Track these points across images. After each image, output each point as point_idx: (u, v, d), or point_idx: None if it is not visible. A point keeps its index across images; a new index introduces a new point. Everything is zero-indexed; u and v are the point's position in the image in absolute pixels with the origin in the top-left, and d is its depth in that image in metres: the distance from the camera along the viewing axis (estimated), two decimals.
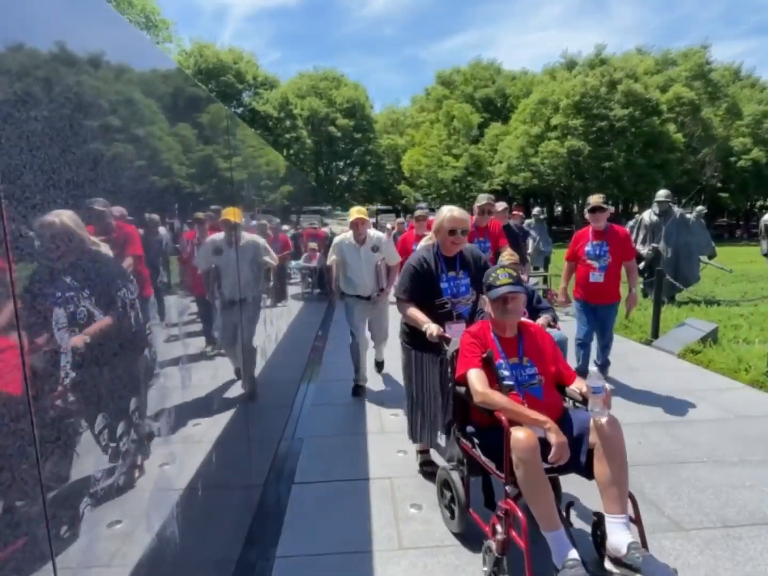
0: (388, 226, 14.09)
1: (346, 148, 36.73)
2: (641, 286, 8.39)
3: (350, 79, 38.62)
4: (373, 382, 4.73)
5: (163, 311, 1.53)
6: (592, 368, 2.12)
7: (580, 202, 30.69)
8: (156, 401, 1.44)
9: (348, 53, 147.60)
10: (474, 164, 31.38)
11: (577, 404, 2.32)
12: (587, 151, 26.87)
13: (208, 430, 1.99)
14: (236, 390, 2.42)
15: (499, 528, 2.05)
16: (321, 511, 2.69)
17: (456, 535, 2.44)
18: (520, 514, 1.95)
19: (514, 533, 2.00)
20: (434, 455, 3.16)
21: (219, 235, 2.26)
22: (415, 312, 2.75)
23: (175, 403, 1.58)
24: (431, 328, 2.59)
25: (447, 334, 2.59)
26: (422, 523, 2.57)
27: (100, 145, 1.13)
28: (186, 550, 1.61)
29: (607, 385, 2.08)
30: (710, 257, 8.84)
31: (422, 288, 2.78)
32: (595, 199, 4.30)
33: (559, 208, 40.41)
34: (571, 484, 2.41)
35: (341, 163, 38.43)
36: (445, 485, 2.54)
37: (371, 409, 4.13)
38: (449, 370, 2.49)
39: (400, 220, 13.50)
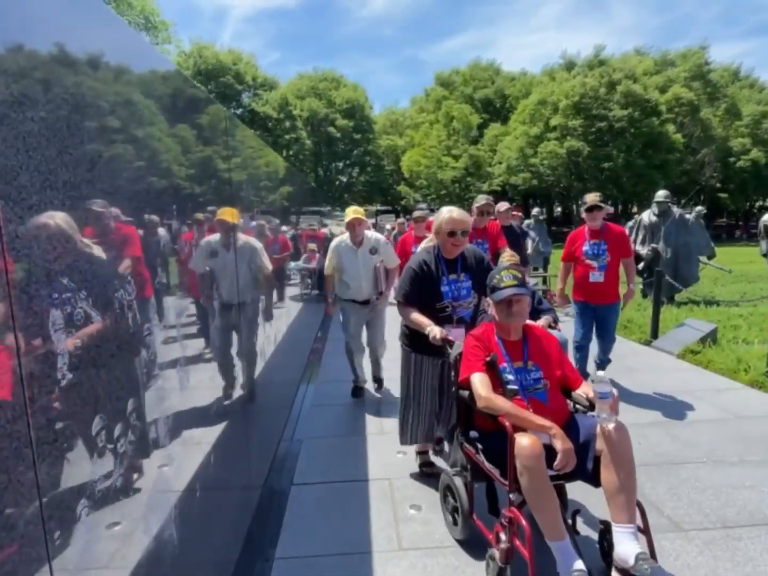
0: (388, 226, 14.07)
1: (345, 149, 36.73)
2: (641, 286, 8.39)
3: (350, 80, 38.66)
4: (373, 383, 4.72)
5: (162, 313, 1.53)
6: (600, 373, 2.06)
7: (580, 202, 30.68)
8: (154, 403, 1.43)
9: (347, 54, 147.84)
10: (473, 165, 31.40)
11: (582, 408, 2.26)
12: (586, 151, 26.89)
13: (207, 431, 1.98)
14: (235, 391, 2.42)
15: (502, 536, 2.00)
16: (320, 512, 2.69)
17: None
18: (524, 522, 1.90)
19: (518, 542, 1.96)
20: (432, 456, 3.16)
21: (214, 237, 2.19)
22: (416, 316, 2.69)
23: (174, 405, 1.58)
24: (434, 331, 2.54)
25: (451, 338, 2.54)
26: (422, 524, 2.57)
27: (98, 146, 1.13)
28: (185, 552, 1.61)
29: (615, 390, 2.03)
30: (709, 258, 8.85)
31: (422, 291, 2.74)
32: (591, 198, 4.22)
33: (559, 209, 40.41)
34: (577, 490, 2.33)
35: (341, 164, 38.42)
36: (448, 491, 2.49)
37: (370, 410, 4.13)
38: (452, 373, 2.44)
39: (401, 220, 13.49)
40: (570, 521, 2.16)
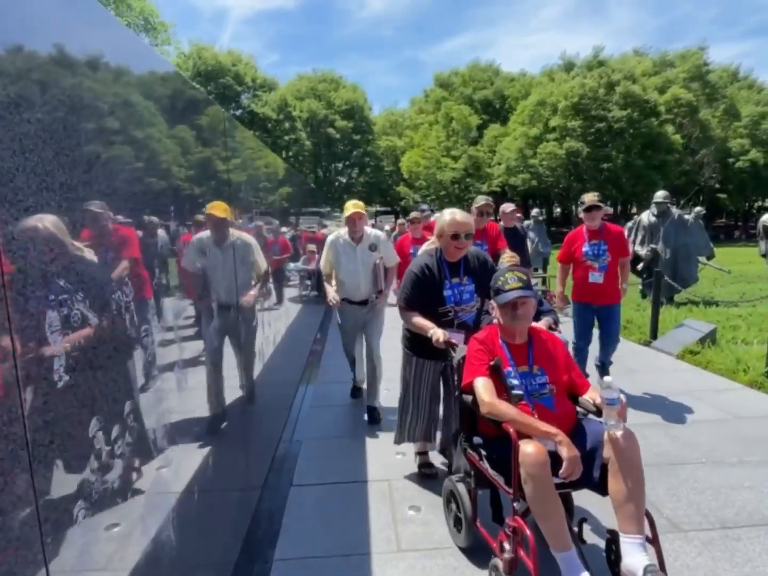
0: (387, 227, 14.02)
1: (344, 150, 36.73)
2: (640, 287, 8.40)
3: (349, 81, 38.68)
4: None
5: (161, 314, 1.53)
6: (607, 378, 1.99)
7: (579, 203, 30.68)
8: (153, 404, 1.43)
9: (347, 55, 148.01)
10: (473, 166, 31.41)
11: (587, 412, 2.20)
12: (586, 152, 26.91)
13: (206, 432, 1.98)
14: (234, 393, 2.42)
15: (506, 546, 1.95)
16: (319, 513, 2.68)
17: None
18: (528, 532, 1.85)
19: (522, 552, 1.91)
20: (431, 457, 3.16)
21: (205, 234, 2.09)
22: (419, 319, 2.65)
23: (172, 406, 1.58)
24: (437, 334, 2.49)
25: (454, 341, 2.49)
26: (421, 525, 2.57)
27: (95, 147, 1.13)
28: (184, 553, 1.60)
29: (623, 396, 1.96)
30: (709, 258, 8.86)
31: (424, 296, 2.69)
32: (590, 198, 4.15)
33: (558, 209, 40.45)
34: (583, 496, 2.25)
35: (340, 165, 38.41)
36: (452, 497, 2.44)
37: None
38: (455, 377, 2.39)
39: (401, 221, 13.46)
40: (576, 529, 2.10)
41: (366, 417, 3.92)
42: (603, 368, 4.40)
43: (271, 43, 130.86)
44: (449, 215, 2.68)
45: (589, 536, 2.31)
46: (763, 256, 8.19)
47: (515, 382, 2.17)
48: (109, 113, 1.22)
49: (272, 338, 3.60)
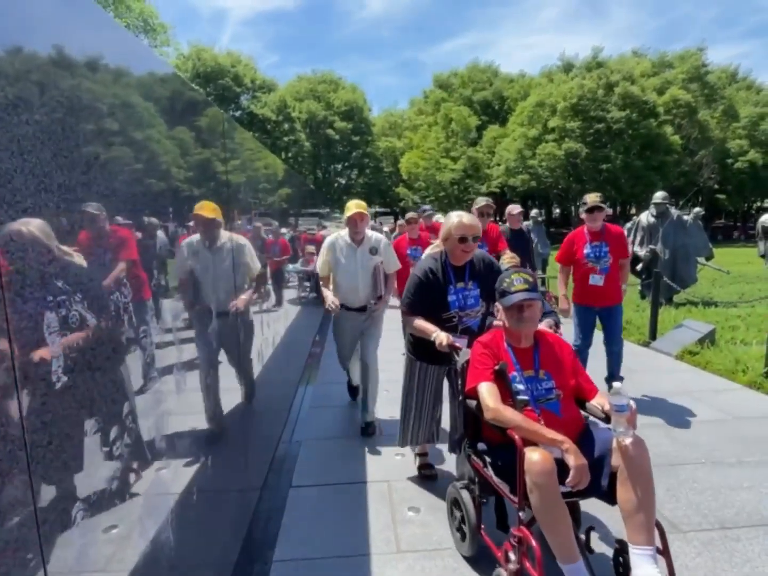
0: (385, 228, 13.97)
1: (344, 151, 36.76)
2: (639, 287, 8.40)
3: (348, 82, 38.72)
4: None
5: (159, 315, 1.53)
6: (617, 384, 1.91)
7: (578, 204, 30.72)
8: (152, 405, 1.43)
9: (346, 56, 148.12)
10: (472, 167, 31.44)
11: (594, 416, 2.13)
12: (585, 153, 26.94)
13: (205, 434, 1.98)
14: (233, 395, 2.42)
15: (512, 556, 1.89)
16: (318, 514, 2.68)
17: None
18: (534, 543, 1.78)
19: (527, 564, 1.85)
20: (431, 457, 3.15)
21: (195, 236, 2.00)
22: (422, 323, 2.59)
23: (171, 408, 1.58)
24: (440, 337, 2.44)
25: (458, 344, 2.44)
26: (420, 526, 2.57)
27: (93, 148, 1.13)
28: (183, 554, 1.60)
29: (632, 403, 1.90)
30: (707, 259, 8.86)
31: (428, 301, 2.63)
32: (592, 198, 4.05)
33: (557, 210, 40.49)
34: (591, 503, 2.17)
35: (339, 166, 38.44)
36: (455, 504, 2.38)
37: None
38: (459, 382, 2.34)
39: (401, 222, 13.41)
40: (584, 538, 2.05)
41: (360, 431, 3.74)
42: (612, 380, 4.20)
43: (270, 45, 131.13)
44: (456, 218, 2.60)
45: (597, 545, 2.25)
46: (762, 256, 8.21)
47: (521, 387, 2.11)
48: (107, 115, 1.22)
49: (271, 339, 3.60)
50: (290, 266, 5.13)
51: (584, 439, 2.05)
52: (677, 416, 3.87)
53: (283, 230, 5.16)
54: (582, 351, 4.28)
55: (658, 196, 8.22)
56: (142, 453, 1.37)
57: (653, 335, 6.04)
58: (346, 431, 3.79)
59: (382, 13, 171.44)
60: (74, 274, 1.01)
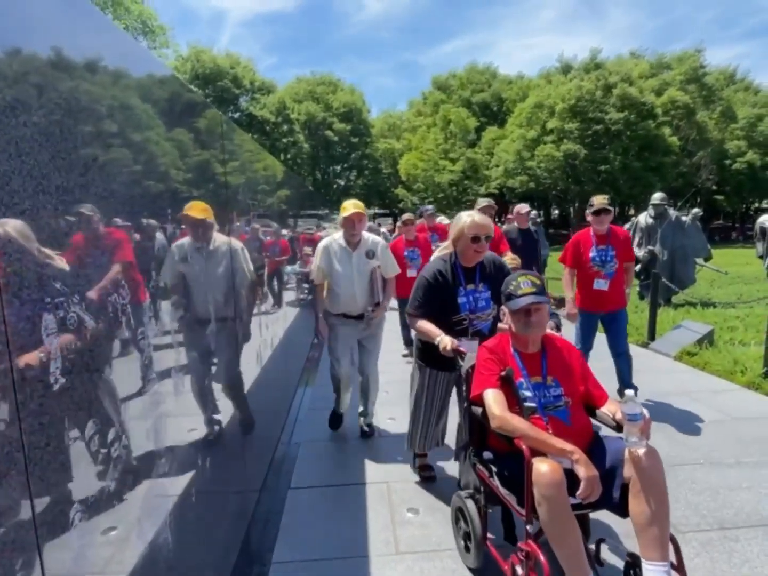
0: (383, 229, 13.94)
1: (343, 153, 36.78)
2: (638, 288, 8.41)
3: (347, 84, 38.77)
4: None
5: (157, 318, 1.53)
6: (629, 392, 1.83)
7: (577, 205, 30.79)
8: (150, 407, 1.43)
9: (345, 58, 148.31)
10: (470, 168, 31.48)
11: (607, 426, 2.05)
12: (583, 154, 26.98)
13: (204, 435, 1.98)
14: (231, 397, 2.41)
15: (519, 570, 1.84)
16: (317, 515, 2.68)
17: (453, 539, 2.42)
18: (542, 558, 1.71)
19: None
20: (431, 458, 3.15)
21: (186, 239, 1.90)
22: (426, 325, 2.54)
23: (170, 409, 1.58)
24: (444, 341, 2.38)
25: (462, 348, 2.39)
26: (419, 527, 2.56)
27: (92, 150, 1.13)
28: (182, 556, 1.60)
29: (645, 412, 1.82)
30: (706, 259, 8.88)
31: (437, 303, 2.56)
32: (599, 200, 3.90)
33: (556, 212, 40.54)
34: (601, 513, 2.07)
35: (338, 168, 38.46)
36: (460, 514, 2.32)
37: None
38: (464, 388, 2.27)
39: (400, 223, 13.35)
40: (594, 551, 1.99)
41: (360, 432, 3.74)
42: (626, 389, 4.05)
43: (269, 46, 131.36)
44: (468, 217, 2.55)
45: (607, 557, 2.18)
46: (761, 257, 8.24)
47: (528, 393, 2.04)
48: (105, 116, 1.22)
49: (270, 341, 3.60)
50: (289, 268, 5.13)
51: (595, 448, 1.98)
52: (676, 417, 3.87)
53: (284, 231, 5.16)
54: (583, 355, 4.23)
55: (657, 197, 8.23)
56: (141, 454, 1.36)
57: (652, 336, 6.04)
58: (345, 433, 3.78)
59: (380, 14, 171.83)
60: (54, 277, 0.97)
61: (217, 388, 2.16)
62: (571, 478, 1.75)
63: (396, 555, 2.35)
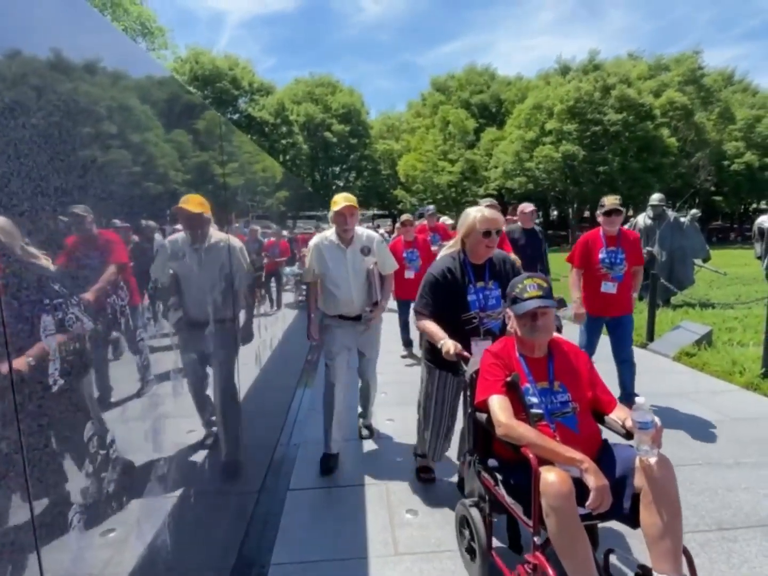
0: (381, 230, 13.95)
1: (342, 154, 36.83)
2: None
3: (346, 85, 38.81)
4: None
5: (152, 320, 1.53)
6: (639, 399, 1.78)
7: (575, 206, 30.86)
8: (149, 408, 1.43)
9: (344, 59, 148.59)
10: (469, 169, 31.54)
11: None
12: (582, 155, 27.05)
13: (203, 437, 1.98)
14: (230, 399, 2.41)
15: None
16: (316, 517, 2.68)
17: (452, 540, 2.43)
18: (550, 571, 1.66)
19: None
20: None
21: (180, 235, 1.78)
22: (431, 326, 2.47)
23: (169, 411, 1.58)
24: (447, 345, 2.32)
25: (466, 353, 2.32)
26: (418, 528, 2.56)
27: (90, 152, 1.13)
28: (180, 558, 1.60)
29: (657, 420, 1.76)
30: (704, 260, 8.89)
31: (446, 301, 2.49)
32: (610, 201, 3.76)
33: (555, 213, 40.61)
34: (610, 522, 2.00)
35: (337, 169, 38.53)
36: (464, 523, 2.25)
37: None
38: (468, 393, 2.21)
39: (398, 225, 13.36)
40: (602, 560, 1.93)
41: (360, 435, 3.72)
42: (629, 398, 3.82)
43: (268, 47, 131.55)
44: (478, 212, 2.48)
45: (616, 569, 2.15)
46: (759, 258, 8.25)
47: (534, 399, 1.98)
48: (104, 118, 1.22)
49: (269, 342, 3.60)
50: (287, 269, 5.13)
51: (604, 456, 1.92)
52: (674, 417, 3.88)
53: (284, 232, 5.16)
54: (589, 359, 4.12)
55: (655, 198, 8.24)
56: (140, 456, 1.36)
57: (651, 337, 6.05)
58: (343, 434, 3.78)
59: (379, 16, 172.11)
60: (39, 276, 0.95)
61: (212, 393, 2.10)
62: (580, 488, 1.70)
63: (395, 556, 2.35)
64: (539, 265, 5.26)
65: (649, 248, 8.09)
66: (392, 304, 5.16)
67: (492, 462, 2.07)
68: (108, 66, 1.26)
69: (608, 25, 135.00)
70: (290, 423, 4.02)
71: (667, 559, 1.67)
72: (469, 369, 2.21)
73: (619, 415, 1.99)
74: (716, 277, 10.52)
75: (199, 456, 1.90)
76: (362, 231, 3.30)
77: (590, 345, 3.94)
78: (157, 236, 1.60)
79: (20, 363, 0.87)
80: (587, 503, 1.68)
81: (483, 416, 2.04)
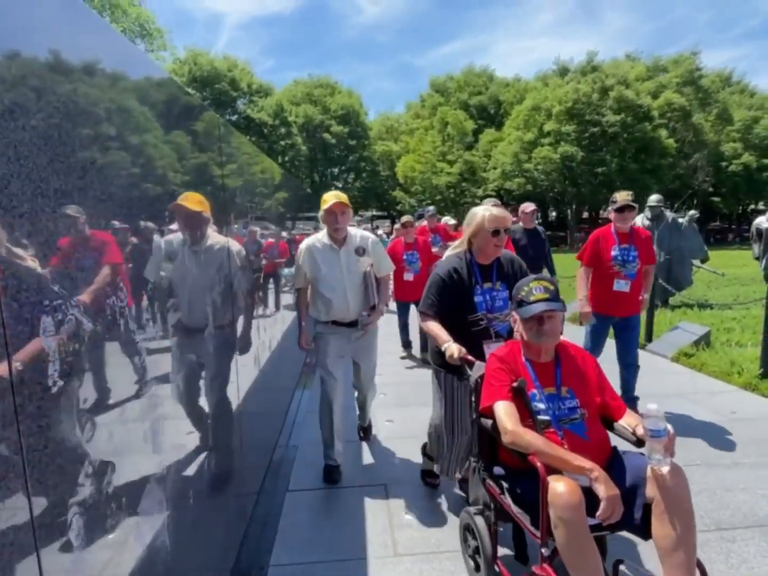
0: (380, 231, 13.94)
1: (340, 155, 36.89)
2: None
3: (344, 86, 38.87)
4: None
5: (150, 321, 1.53)
6: (651, 406, 1.69)
7: (574, 207, 30.92)
8: (148, 409, 1.43)
9: (342, 60, 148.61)
10: (468, 170, 31.62)
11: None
12: (580, 156, 27.14)
13: (202, 438, 1.98)
14: (231, 399, 2.41)
15: None
16: (315, 518, 2.68)
17: (452, 541, 2.43)
18: None
19: None
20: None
21: (176, 235, 1.69)
22: (435, 329, 2.39)
23: (168, 412, 1.58)
24: (451, 348, 2.25)
25: (470, 357, 2.25)
26: (417, 529, 2.56)
27: (90, 153, 1.13)
28: (179, 560, 1.60)
29: (670, 427, 1.69)
30: (703, 261, 8.91)
31: (452, 302, 2.42)
32: (623, 197, 3.62)
33: (554, 213, 40.69)
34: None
35: (336, 170, 38.58)
36: (469, 532, 2.18)
37: None
38: (473, 399, 2.14)
39: (397, 226, 13.38)
40: (611, 571, 1.88)
41: (359, 436, 3.70)
42: (632, 402, 3.82)
43: (266, 49, 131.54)
44: (486, 211, 2.42)
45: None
46: (757, 258, 8.27)
47: (541, 406, 1.91)
48: (103, 119, 1.23)
49: (268, 344, 3.60)
50: (286, 270, 5.13)
51: (614, 464, 1.85)
52: (673, 418, 3.88)
53: (283, 234, 5.16)
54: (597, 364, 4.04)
55: (653, 199, 8.26)
56: (139, 457, 1.36)
57: (649, 337, 6.06)
58: (343, 435, 3.77)
59: (378, 17, 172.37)
60: (24, 278, 0.92)
61: (205, 404, 2.02)
62: (590, 497, 1.63)
63: (394, 557, 2.35)
64: (543, 264, 5.22)
65: None
66: (391, 305, 5.16)
67: (498, 470, 2.01)
68: (107, 67, 1.26)
69: (607, 26, 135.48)
70: (289, 424, 4.02)
71: (681, 571, 1.62)
72: (473, 374, 2.15)
73: (629, 421, 1.92)
74: (714, 278, 10.55)
75: (198, 459, 1.90)
76: (355, 231, 3.17)
77: (597, 347, 3.85)
78: (156, 237, 1.60)
79: (19, 356, 0.86)
80: (597, 514, 1.62)
81: (488, 422, 1.98)
